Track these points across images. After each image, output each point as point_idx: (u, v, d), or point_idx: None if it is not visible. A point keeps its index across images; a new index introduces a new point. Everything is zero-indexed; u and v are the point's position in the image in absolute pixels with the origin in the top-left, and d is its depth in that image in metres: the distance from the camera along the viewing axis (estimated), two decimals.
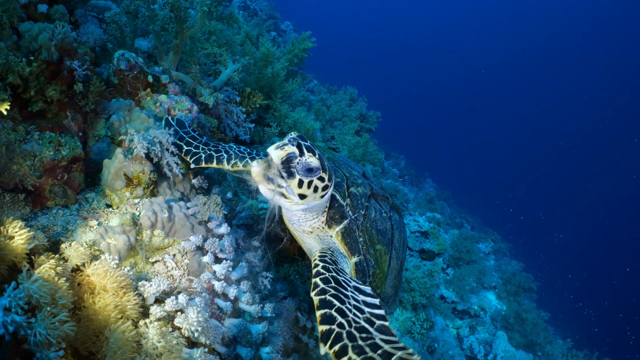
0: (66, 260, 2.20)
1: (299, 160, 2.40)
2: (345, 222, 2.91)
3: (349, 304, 2.23)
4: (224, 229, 3.28)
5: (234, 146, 3.39)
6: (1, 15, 2.71)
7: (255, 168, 2.36)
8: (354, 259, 2.90)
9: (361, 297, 2.38)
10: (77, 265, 2.20)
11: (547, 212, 38.33)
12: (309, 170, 2.43)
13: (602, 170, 48.88)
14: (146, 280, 2.44)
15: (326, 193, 2.63)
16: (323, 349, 1.95)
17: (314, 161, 2.43)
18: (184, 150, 3.33)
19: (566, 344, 10.59)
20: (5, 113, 2.57)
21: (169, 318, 2.30)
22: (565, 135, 59.10)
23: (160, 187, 3.29)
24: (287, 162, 2.39)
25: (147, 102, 3.89)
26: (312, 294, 2.27)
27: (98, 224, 2.80)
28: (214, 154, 3.25)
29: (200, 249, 3.09)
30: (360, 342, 1.93)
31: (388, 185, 13.09)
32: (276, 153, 2.37)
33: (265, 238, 3.85)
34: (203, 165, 3.20)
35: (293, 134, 2.46)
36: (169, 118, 3.61)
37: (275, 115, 5.85)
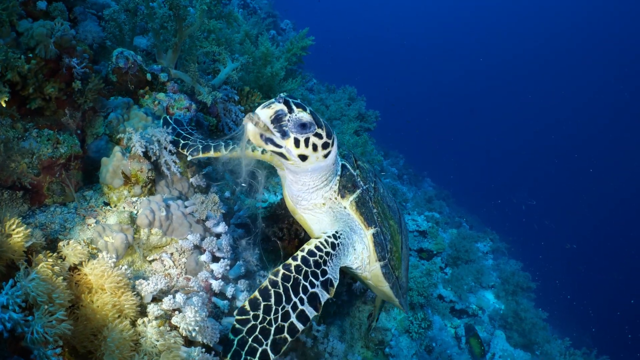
0: (64, 259, 2.20)
1: (289, 117, 2.29)
2: (358, 191, 2.82)
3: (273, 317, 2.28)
4: (221, 227, 3.29)
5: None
6: (0, 13, 2.70)
7: (250, 127, 2.26)
8: (371, 230, 2.81)
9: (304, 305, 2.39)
10: (74, 263, 2.20)
11: (546, 211, 38.39)
12: (302, 126, 2.32)
13: (602, 170, 48.98)
14: (144, 279, 2.44)
15: (329, 152, 2.51)
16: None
17: (304, 116, 2.33)
18: (180, 144, 3.33)
19: (564, 342, 10.60)
20: (4, 105, 2.57)
21: (166, 317, 2.30)
22: (566, 135, 59.19)
23: (158, 185, 3.29)
24: (278, 120, 2.27)
25: (145, 100, 3.89)
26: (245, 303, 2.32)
27: (96, 222, 2.80)
28: (211, 143, 3.25)
29: (198, 248, 3.09)
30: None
31: (387, 184, 13.10)
32: (263, 112, 2.27)
33: (259, 237, 3.84)
34: (200, 155, 3.20)
35: (281, 94, 2.35)
36: (167, 117, 3.61)
37: None
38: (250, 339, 2.18)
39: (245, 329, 2.20)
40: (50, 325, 1.69)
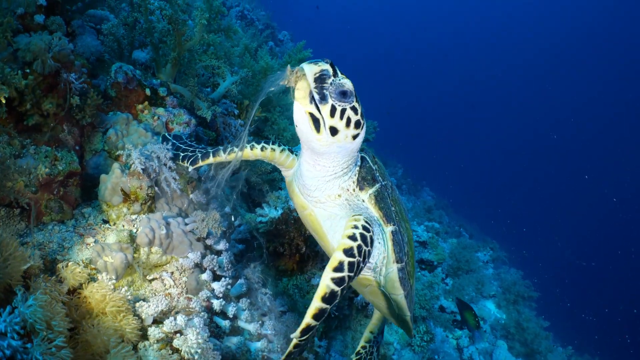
0: (62, 281, 2.15)
1: (333, 80, 2.12)
2: (377, 185, 2.62)
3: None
4: (222, 245, 3.24)
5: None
6: None
7: (303, 84, 2.11)
8: (390, 227, 2.60)
9: None
10: (74, 286, 2.15)
11: (546, 218, 38.44)
12: (343, 94, 2.14)
13: (602, 176, 49.05)
14: (144, 301, 2.39)
15: (358, 134, 2.30)
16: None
17: (347, 83, 2.16)
18: (180, 157, 3.25)
19: (566, 351, 10.54)
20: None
21: (167, 340, 2.25)
22: (565, 143, 59.35)
23: (157, 202, 3.24)
24: (321, 80, 2.11)
25: (144, 115, 3.85)
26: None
27: (95, 241, 2.75)
28: (209, 150, 3.13)
29: (199, 266, 3.04)
30: None
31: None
32: (310, 67, 2.11)
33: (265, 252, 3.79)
34: (200, 164, 3.10)
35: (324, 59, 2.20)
36: (166, 134, 3.57)
37: (274, 128, 5.81)
38: None
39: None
40: (49, 352, 1.65)
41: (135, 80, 3.84)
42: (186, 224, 3.13)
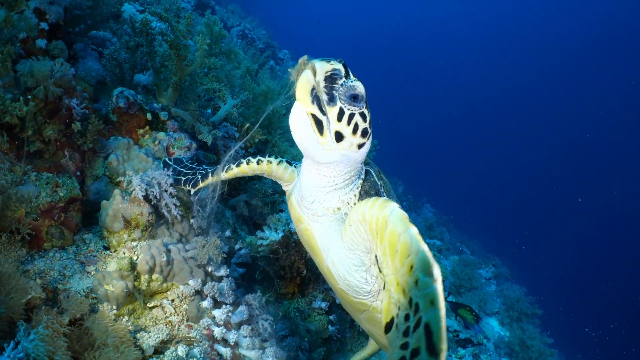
0: (63, 313, 2.14)
1: (344, 82, 1.97)
2: None
3: None
4: (223, 271, 3.23)
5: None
6: None
7: (308, 75, 1.94)
8: None
9: None
10: (75, 317, 2.14)
11: (548, 233, 38.34)
12: (354, 98, 1.98)
13: (606, 196, 48.96)
14: (144, 331, 2.37)
15: (364, 143, 2.13)
16: None
17: (359, 86, 1.99)
18: (182, 181, 3.24)
19: None
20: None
21: None
22: (566, 159, 59.40)
23: (158, 228, 3.24)
24: (331, 80, 1.96)
25: (145, 140, 3.87)
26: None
27: (96, 270, 2.74)
28: (209, 170, 3.11)
29: (199, 293, 3.03)
30: None
31: None
32: (321, 65, 1.95)
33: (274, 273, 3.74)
34: (201, 185, 3.08)
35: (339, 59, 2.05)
36: (167, 159, 3.59)
37: (274, 150, 5.82)
38: None
39: None
40: None
41: (136, 105, 3.87)
42: (187, 251, 3.12)
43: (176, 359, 2.26)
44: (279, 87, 5.54)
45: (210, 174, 3.04)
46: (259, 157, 2.82)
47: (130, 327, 2.23)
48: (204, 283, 3.05)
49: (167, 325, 2.65)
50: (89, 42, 4.87)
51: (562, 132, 63.06)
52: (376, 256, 2.04)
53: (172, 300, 2.90)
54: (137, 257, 2.91)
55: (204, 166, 3.48)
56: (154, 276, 2.85)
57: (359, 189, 2.39)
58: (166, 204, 3.13)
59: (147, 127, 3.94)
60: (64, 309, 2.13)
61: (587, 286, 28.51)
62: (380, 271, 2.08)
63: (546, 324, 11.96)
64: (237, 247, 3.92)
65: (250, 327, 3.10)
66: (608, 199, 47.45)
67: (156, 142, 3.87)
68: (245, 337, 3.04)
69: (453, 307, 8.60)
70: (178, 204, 3.18)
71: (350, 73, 2.00)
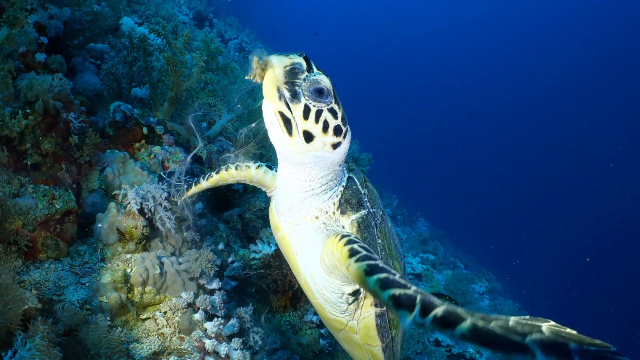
0: (58, 322, 2.19)
1: (307, 76, 1.83)
2: (364, 212, 2.22)
3: None
4: (215, 284, 3.28)
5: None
6: None
7: (278, 72, 1.80)
8: None
9: None
10: (70, 327, 2.19)
11: (542, 247, 38.41)
12: (318, 93, 1.84)
13: (600, 210, 49.13)
14: (137, 342, 2.42)
15: (339, 143, 1.97)
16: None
17: (324, 79, 1.86)
18: (172, 192, 3.25)
19: None
20: None
21: None
22: (561, 174, 59.62)
23: (152, 241, 3.30)
24: (292, 75, 1.81)
25: (141, 153, 3.93)
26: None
27: (90, 281, 2.79)
28: (192, 181, 3.08)
29: (192, 306, 3.08)
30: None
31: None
32: (279, 59, 1.81)
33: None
34: (185, 195, 3.10)
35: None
36: (162, 174, 3.64)
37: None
38: None
39: None
40: None
41: (133, 119, 3.94)
42: (180, 264, 3.18)
43: None
44: None
45: (193, 184, 3.03)
46: (237, 163, 2.72)
47: (123, 338, 2.28)
48: (196, 296, 3.11)
49: (160, 337, 2.70)
50: (87, 56, 4.94)
51: (556, 146, 63.40)
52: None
53: (165, 313, 2.95)
54: (131, 270, 2.96)
55: (195, 178, 3.52)
56: (147, 288, 2.90)
57: (339, 196, 2.21)
58: (160, 217, 3.19)
59: (143, 141, 4.01)
60: (59, 319, 2.19)
61: (581, 302, 28.54)
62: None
63: None
64: (230, 260, 3.97)
65: (241, 340, 3.15)
66: (604, 214, 47.61)
67: (152, 155, 3.94)
68: (237, 349, 3.08)
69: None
70: (172, 217, 3.24)
71: (314, 66, 1.88)
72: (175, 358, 2.40)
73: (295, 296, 4.46)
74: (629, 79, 62.28)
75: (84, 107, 3.76)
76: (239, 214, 4.69)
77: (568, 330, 1.16)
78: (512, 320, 1.20)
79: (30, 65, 3.74)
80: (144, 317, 2.88)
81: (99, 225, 3.14)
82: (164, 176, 3.60)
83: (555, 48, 71.78)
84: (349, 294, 2.20)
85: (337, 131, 1.94)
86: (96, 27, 4.81)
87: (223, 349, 2.97)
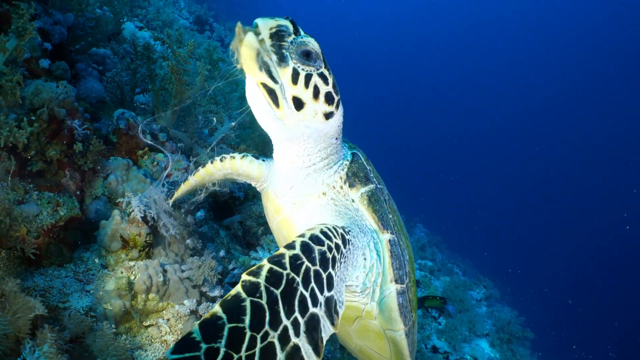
0: (64, 329, 2.22)
1: (294, 39, 1.72)
2: (372, 185, 2.12)
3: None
4: (217, 291, 3.32)
5: None
6: (5, 86, 2.76)
7: (250, 38, 1.65)
8: (387, 235, 2.05)
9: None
10: (76, 334, 2.22)
11: (541, 254, 38.43)
12: (306, 55, 1.74)
13: (600, 217, 49.13)
14: (142, 349, 2.45)
15: (332, 112, 1.87)
16: None
17: (311, 42, 1.76)
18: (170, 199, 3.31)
19: None
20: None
21: None
22: (560, 180, 59.64)
23: (155, 248, 3.33)
24: (278, 38, 1.70)
25: (144, 161, 3.97)
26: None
27: (94, 289, 2.82)
28: (180, 181, 3.09)
29: (194, 313, 3.11)
30: None
31: None
32: (265, 22, 1.70)
33: None
34: (176, 195, 3.15)
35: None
36: (164, 182, 3.67)
37: None
38: None
39: None
40: None
41: (136, 126, 3.97)
42: (182, 271, 3.21)
43: None
44: None
45: (181, 183, 3.03)
46: (222, 155, 2.65)
47: (128, 345, 2.31)
48: (198, 303, 3.14)
49: (163, 344, 2.73)
50: (90, 62, 4.97)
51: (556, 152, 63.44)
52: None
53: (168, 320, 2.98)
54: (135, 277, 2.99)
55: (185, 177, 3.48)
56: (151, 295, 2.93)
57: (345, 170, 2.12)
58: (164, 224, 3.22)
59: (146, 148, 4.04)
60: (66, 326, 2.22)
61: (579, 309, 28.55)
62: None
63: (537, 346, 12.00)
64: (230, 267, 4.00)
65: None
66: (605, 223, 47.60)
67: (155, 163, 3.98)
68: None
69: (419, 304, 8.57)
70: (175, 223, 3.27)
71: (301, 30, 1.78)
72: None
73: None
74: None
75: (88, 114, 3.80)
76: (239, 220, 4.72)
77: None
78: None
79: (34, 71, 3.77)
80: (147, 324, 2.91)
81: (103, 232, 3.17)
82: (165, 184, 3.63)
83: (561, 62, 71.97)
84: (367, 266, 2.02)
85: (329, 99, 1.84)
86: (99, 32, 4.85)
87: None
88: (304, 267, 1.48)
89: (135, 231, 3.13)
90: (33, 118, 3.15)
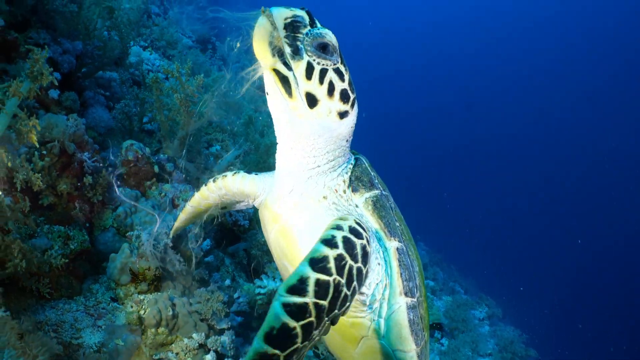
0: None
1: (309, 30, 1.64)
2: (377, 191, 1.98)
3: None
4: (225, 323, 3.36)
5: None
6: (22, 130, 2.78)
7: (263, 22, 1.60)
8: (395, 243, 1.88)
9: None
10: None
11: (542, 271, 38.23)
12: (323, 48, 1.64)
13: (603, 234, 48.93)
14: None
15: (347, 112, 1.77)
16: None
17: (329, 34, 1.66)
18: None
19: None
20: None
21: None
22: (563, 196, 59.46)
23: (163, 281, 3.38)
24: (293, 28, 1.63)
25: (152, 192, 4.03)
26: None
27: (106, 324, 2.88)
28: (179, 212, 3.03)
29: (203, 347, 3.16)
30: None
31: None
32: (279, 11, 1.63)
33: None
34: (176, 226, 3.06)
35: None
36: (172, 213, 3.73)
37: None
38: None
39: None
40: None
41: (144, 158, 4.05)
42: (191, 304, 3.26)
43: None
44: None
45: (180, 213, 2.94)
46: (215, 176, 2.52)
47: None
48: (207, 336, 3.18)
49: None
50: (97, 89, 5.04)
51: (559, 169, 63.35)
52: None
53: (177, 354, 3.02)
54: (145, 311, 3.04)
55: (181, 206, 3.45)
56: (160, 329, 2.98)
57: (349, 174, 1.99)
58: (171, 260, 3.28)
59: (154, 179, 4.11)
60: None
61: (580, 325, 28.36)
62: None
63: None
64: (235, 295, 4.05)
65: None
66: (609, 239, 47.40)
67: (162, 194, 4.04)
68: None
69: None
70: (182, 259, 3.32)
71: (317, 22, 1.70)
72: None
73: None
74: None
75: (97, 145, 3.87)
76: (244, 248, 4.78)
77: None
78: None
79: (43, 102, 3.84)
80: (157, 358, 2.96)
81: (112, 265, 3.23)
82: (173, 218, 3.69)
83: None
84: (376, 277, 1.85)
85: (344, 97, 1.74)
86: (105, 56, 4.91)
87: None
88: (347, 266, 1.48)
89: (145, 265, 3.19)
90: (44, 152, 3.22)
